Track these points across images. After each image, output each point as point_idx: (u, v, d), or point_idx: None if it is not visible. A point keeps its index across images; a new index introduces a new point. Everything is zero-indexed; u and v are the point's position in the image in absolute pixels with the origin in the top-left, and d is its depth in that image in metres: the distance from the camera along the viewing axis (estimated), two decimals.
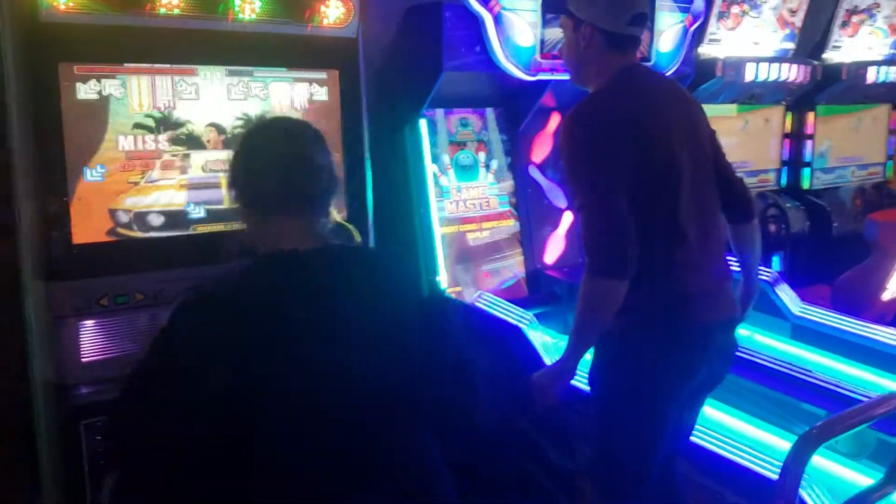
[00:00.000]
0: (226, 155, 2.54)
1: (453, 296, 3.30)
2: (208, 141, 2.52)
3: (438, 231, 3.28)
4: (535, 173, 3.72)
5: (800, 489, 2.03)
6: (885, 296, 3.90)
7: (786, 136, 4.90)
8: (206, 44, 2.47)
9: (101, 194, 2.37)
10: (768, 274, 3.56)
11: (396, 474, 1.52)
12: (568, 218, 3.77)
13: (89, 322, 2.32)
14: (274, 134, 1.58)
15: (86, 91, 2.30)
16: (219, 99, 2.52)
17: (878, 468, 2.35)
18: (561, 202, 3.77)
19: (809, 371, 2.90)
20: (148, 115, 2.43)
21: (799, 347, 3.42)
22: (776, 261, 4.74)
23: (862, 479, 2.43)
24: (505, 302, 3.07)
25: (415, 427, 1.57)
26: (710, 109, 4.29)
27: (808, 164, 4.93)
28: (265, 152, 1.54)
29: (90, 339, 2.32)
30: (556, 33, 3.23)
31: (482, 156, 3.55)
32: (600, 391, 2.17)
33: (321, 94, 2.71)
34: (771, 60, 4.35)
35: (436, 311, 1.66)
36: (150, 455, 1.46)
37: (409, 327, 1.55)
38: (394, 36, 3.38)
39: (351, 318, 1.47)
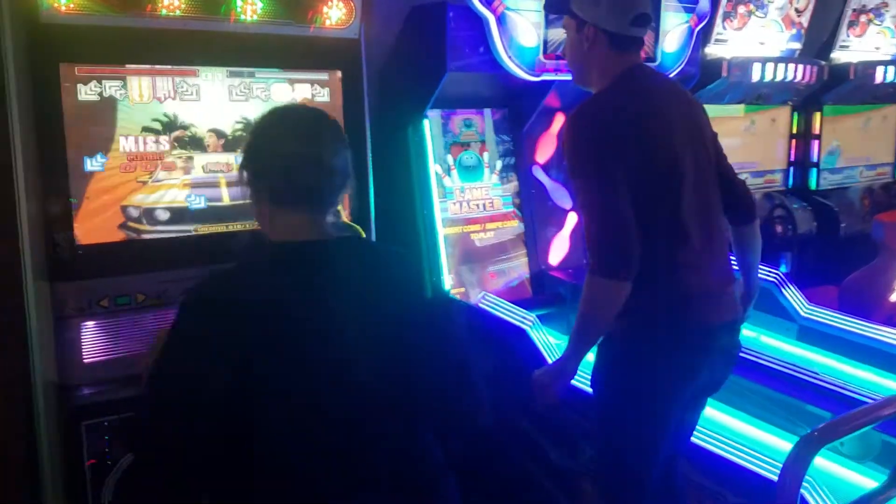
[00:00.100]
0: (225, 158, 2.54)
1: (457, 297, 3.29)
2: (208, 145, 2.52)
3: (442, 232, 3.27)
4: (539, 174, 3.70)
5: (802, 491, 2.04)
6: (893, 297, 3.86)
7: (793, 136, 4.88)
8: (207, 45, 2.46)
9: (103, 195, 2.37)
10: (775, 275, 3.54)
11: (397, 474, 1.51)
12: (572, 219, 3.75)
13: (90, 323, 2.33)
14: (291, 128, 1.54)
15: (87, 92, 2.30)
16: (220, 100, 2.51)
17: (883, 471, 2.33)
18: (565, 203, 3.75)
19: (815, 373, 2.88)
20: (155, 119, 2.43)
21: (805, 349, 3.39)
22: (783, 262, 4.71)
23: (867, 482, 2.41)
24: (508, 303, 3.06)
25: (416, 427, 1.57)
26: (717, 110, 4.37)
27: (816, 165, 4.91)
28: (280, 147, 1.51)
29: (91, 340, 2.33)
30: (559, 34, 3.22)
31: (486, 156, 3.54)
32: (602, 392, 2.16)
33: (323, 95, 2.71)
34: (777, 60, 4.33)
35: (438, 310, 1.65)
36: (156, 453, 1.48)
37: (411, 324, 1.55)
38: (397, 36, 3.38)
39: (354, 315, 1.47)
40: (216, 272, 1.49)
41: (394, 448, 1.51)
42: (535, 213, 3.65)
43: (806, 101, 4.81)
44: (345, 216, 2.77)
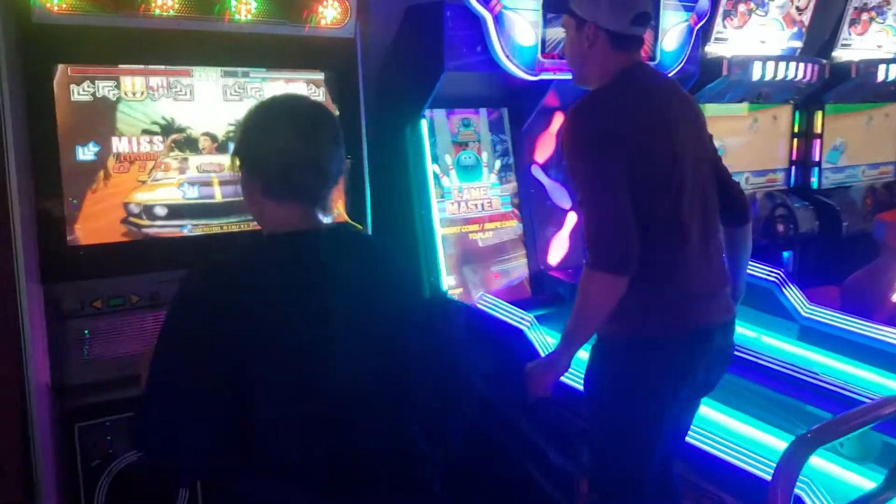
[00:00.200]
0: (219, 159, 2.53)
1: (455, 297, 3.28)
2: (203, 148, 2.50)
3: (439, 232, 3.26)
4: (538, 173, 3.69)
5: (800, 493, 2.02)
6: (895, 297, 3.84)
7: (794, 135, 4.86)
8: (201, 45, 2.45)
9: (97, 196, 2.36)
10: (776, 275, 3.52)
11: (384, 466, 1.53)
12: (572, 218, 3.74)
13: (83, 324, 2.31)
14: (290, 124, 1.52)
15: (79, 92, 2.29)
16: (214, 100, 2.50)
17: (883, 472, 2.31)
18: (564, 203, 3.73)
19: (816, 373, 2.86)
20: (151, 121, 2.43)
21: (807, 349, 3.37)
22: (785, 261, 4.69)
23: (868, 483, 2.39)
24: (506, 304, 3.04)
25: (403, 416, 1.58)
26: (719, 109, 4.34)
27: (817, 164, 4.88)
28: (277, 143, 1.50)
29: (84, 342, 2.31)
30: (557, 33, 3.21)
31: (485, 156, 3.53)
32: (597, 391, 2.15)
33: (318, 94, 2.69)
34: (778, 59, 4.31)
35: (428, 300, 1.66)
36: (157, 449, 1.48)
37: (401, 312, 1.56)
38: (395, 36, 3.36)
39: (345, 304, 1.48)
40: (208, 263, 1.50)
41: (382, 439, 1.52)
42: (534, 212, 3.63)
43: (807, 99, 4.78)
44: (341, 213, 2.76)
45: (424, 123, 3.24)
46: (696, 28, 3.75)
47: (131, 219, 2.42)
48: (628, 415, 2.07)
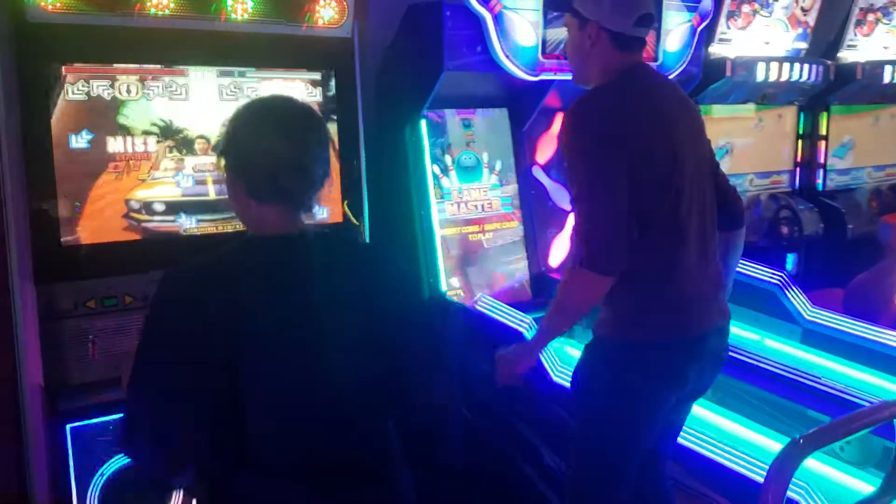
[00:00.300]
0: (214, 159, 2.52)
1: (454, 298, 3.26)
2: (199, 149, 2.49)
3: (438, 232, 3.24)
4: (539, 174, 3.67)
5: (797, 498, 2.00)
6: None
7: (799, 137, 4.82)
8: (197, 44, 2.44)
9: (91, 196, 2.35)
10: (778, 277, 3.49)
11: (363, 462, 1.54)
12: (573, 220, 3.70)
13: (76, 324, 2.30)
14: (277, 128, 1.51)
15: (74, 92, 2.28)
16: (210, 100, 2.49)
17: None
18: (566, 204, 3.71)
19: (818, 377, 2.83)
20: (146, 122, 2.42)
21: (809, 352, 3.34)
22: (789, 263, 4.66)
23: (868, 488, 2.36)
24: (505, 305, 3.02)
25: (379, 414, 1.60)
26: (725, 109, 4.32)
27: (822, 166, 4.85)
28: (263, 146, 1.49)
29: (78, 342, 2.30)
30: (558, 33, 3.19)
31: (485, 157, 3.51)
32: (586, 390, 2.14)
33: (315, 94, 2.68)
34: (782, 60, 4.28)
35: (408, 303, 1.64)
36: (142, 448, 1.48)
37: (381, 316, 1.55)
38: (394, 36, 3.35)
39: (325, 307, 1.48)
40: (190, 264, 1.50)
41: (361, 437, 1.54)
42: (534, 214, 3.61)
43: (812, 101, 4.75)
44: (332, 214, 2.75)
45: (424, 124, 3.23)
46: (699, 28, 3.73)
47: (132, 214, 2.42)
48: (614, 417, 2.05)
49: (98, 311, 2.33)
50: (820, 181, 4.87)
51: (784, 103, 4.67)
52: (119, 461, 2.27)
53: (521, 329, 2.85)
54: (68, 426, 2.24)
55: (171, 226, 2.48)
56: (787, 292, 3.47)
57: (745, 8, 4.19)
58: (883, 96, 4.96)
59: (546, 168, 3.68)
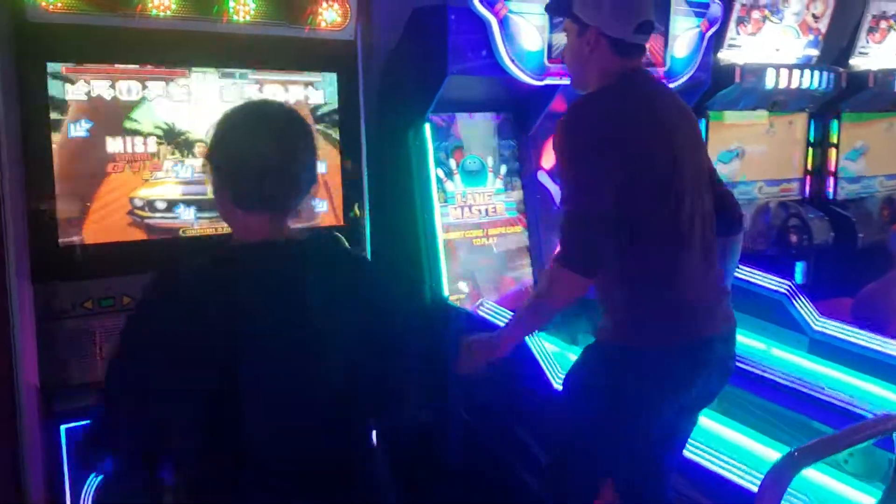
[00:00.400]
0: None
1: (456, 303, 3.24)
2: (199, 153, 2.49)
3: (442, 237, 3.22)
4: (544, 179, 3.64)
5: None
6: None
7: (809, 144, 4.78)
8: (198, 45, 2.43)
9: (91, 196, 2.34)
10: (786, 286, 3.46)
11: (339, 465, 1.54)
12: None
13: (73, 325, 2.29)
14: (264, 135, 1.50)
15: (74, 92, 2.27)
16: (211, 101, 2.48)
17: None
18: None
19: (822, 388, 2.80)
20: (145, 124, 2.41)
21: (816, 363, 3.30)
22: (798, 272, 4.61)
23: (871, 501, 2.33)
24: (506, 311, 3.00)
25: (357, 418, 1.59)
26: (737, 115, 4.28)
27: (833, 174, 4.80)
28: (249, 152, 1.48)
29: (74, 342, 2.29)
30: (564, 38, 3.16)
31: (490, 161, 3.49)
32: (581, 393, 2.12)
33: (317, 97, 2.67)
34: (792, 67, 4.24)
35: (387, 309, 1.63)
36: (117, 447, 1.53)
37: (361, 322, 1.55)
38: (399, 38, 3.34)
39: (307, 314, 1.48)
40: (183, 266, 1.50)
41: (338, 440, 1.54)
42: (539, 219, 3.58)
43: (823, 109, 4.71)
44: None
45: (428, 127, 3.21)
46: (708, 34, 3.70)
47: (136, 211, 2.41)
48: (610, 420, 2.02)
49: (95, 311, 2.32)
50: (831, 189, 4.82)
51: (795, 110, 4.63)
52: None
53: None
54: (63, 427, 2.24)
55: (174, 222, 2.47)
56: (794, 301, 3.44)
57: (755, 14, 4.16)
58: (895, 104, 4.91)
59: (551, 173, 3.65)
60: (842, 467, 2.47)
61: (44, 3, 2.18)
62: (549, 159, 3.66)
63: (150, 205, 2.44)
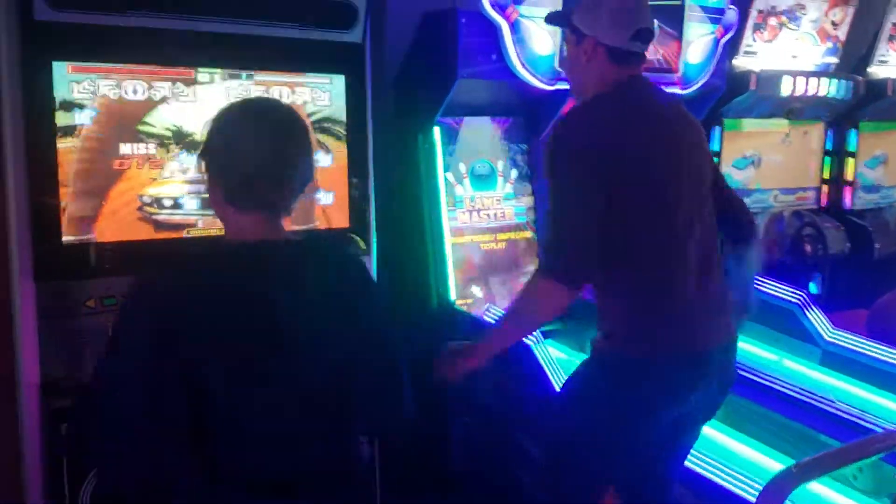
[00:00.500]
0: None
1: (462, 308, 3.22)
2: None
3: (449, 241, 3.21)
4: None
5: None
6: None
7: (826, 153, 4.72)
8: (205, 45, 2.42)
9: (95, 195, 2.33)
10: (798, 296, 3.41)
11: (327, 471, 1.53)
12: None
13: (76, 323, 2.29)
14: (259, 134, 1.49)
15: (80, 90, 2.27)
16: (218, 102, 2.46)
17: None
18: None
19: (832, 401, 2.75)
20: (155, 124, 2.41)
21: (828, 375, 3.25)
22: (813, 283, 4.55)
23: None
24: None
25: (347, 425, 1.59)
26: (756, 123, 4.23)
27: (850, 183, 4.73)
28: (243, 152, 1.47)
29: (75, 341, 2.29)
30: None
31: (500, 165, 3.47)
32: (581, 401, 2.10)
33: (324, 99, 2.65)
34: (809, 74, 4.18)
35: (378, 311, 1.62)
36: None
37: (351, 324, 1.53)
38: (410, 42, 3.33)
39: (298, 316, 1.47)
40: (161, 274, 1.50)
41: (326, 445, 1.53)
42: None
43: (841, 117, 4.64)
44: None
45: (437, 131, 3.20)
46: (723, 41, 3.66)
47: (145, 208, 2.41)
48: (604, 429, 2.01)
49: (98, 310, 2.31)
50: (847, 199, 4.75)
51: (812, 118, 4.57)
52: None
53: (527, 341, 2.80)
54: (62, 426, 2.23)
55: (183, 217, 2.47)
56: (806, 312, 3.40)
57: (772, 21, 4.10)
58: None
59: None
60: (851, 483, 2.43)
61: (51, 1, 2.18)
62: None
63: (157, 202, 2.44)
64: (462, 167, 3.37)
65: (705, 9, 3.57)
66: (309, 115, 2.62)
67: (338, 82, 2.68)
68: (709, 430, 2.42)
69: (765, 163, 4.45)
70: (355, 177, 2.73)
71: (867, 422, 2.63)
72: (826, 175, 4.74)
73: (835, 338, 3.33)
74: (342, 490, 1.54)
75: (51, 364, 2.27)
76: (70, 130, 2.27)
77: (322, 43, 2.61)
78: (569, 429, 2.11)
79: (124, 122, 2.36)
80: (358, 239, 2.75)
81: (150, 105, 2.39)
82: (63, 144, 2.26)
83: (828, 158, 4.74)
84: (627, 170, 1.90)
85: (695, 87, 3.62)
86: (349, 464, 1.60)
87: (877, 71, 4.63)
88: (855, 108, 4.56)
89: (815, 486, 2.28)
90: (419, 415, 1.71)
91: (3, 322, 2.23)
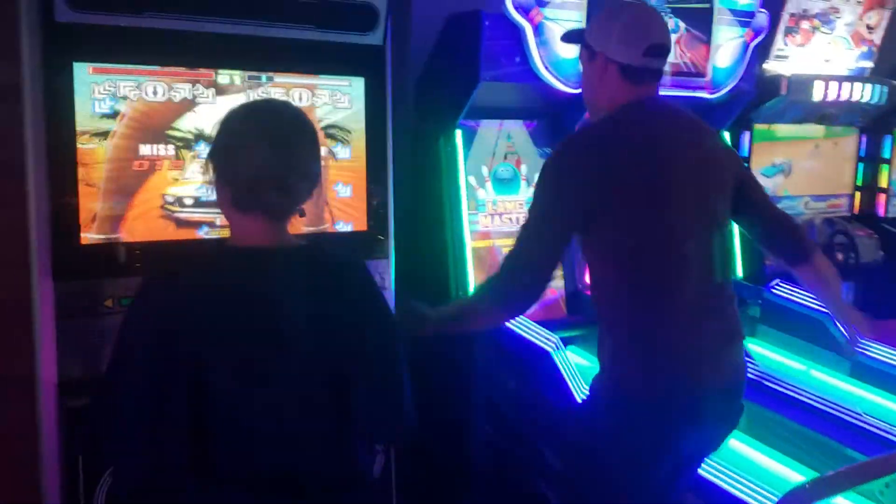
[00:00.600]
0: None
1: None
2: None
3: (470, 244, 3.18)
4: None
5: None
6: None
7: (860, 159, 4.61)
8: (225, 47, 2.43)
9: (110, 195, 2.35)
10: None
11: (324, 475, 1.54)
12: None
13: (93, 323, 2.30)
14: (267, 139, 1.49)
15: (100, 91, 2.29)
16: (236, 103, 2.45)
17: None
18: None
19: (860, 414, 2.69)
20: (175, 125, 2.42)
21: (857, 387, 3.17)
22: (845, 292, 4.45)
23: None
24: (533, 323, 2.94)
25: (346, 429, 1.58)
26: (790, 129, 4.15)
27: (885, 191, 4.62)
28: (250, 157, 1.47)
29: (93, 341, 2.30)
30: None
31: (523, 169, 3.44)
32: (583, 429, 2.11)
33: (344, 101, 2.65)
34: (842, 79, 4.09)
35: (377, 318, 1.60)
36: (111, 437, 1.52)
37: (350, 330, 1.54)
38: (433, 45, 3.31)
39: (297, 321, 1.47)
40: (166, 271, 1.50)
41: (326, 447, 1.54)
42: None
43: (876, 123, 4.54)
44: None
45: (459, 134, 3.18)
46: (752, 44, 3.59)
47: (167, 206, 2.42)
48: (608, 464, 1.99)
49: (115, 310, 2.32)
50: (881, 206, 4.65)
51: (845, 124, 4.48)
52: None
53: (546, 347, 2.78)
54: (76, 426, 2.25)
55: (204, 216, 2.47)
56: (836, 321, 3.32)
57: (804, 24, 4.02)
58: None
59: None
60: (877, 498, 2.36)
61: (71, 2, 2.19)
62: None
63: (179, 201, 2.45)
64: (484, 170, 3.34)
65: (735, 12, 3.50)
66: (328, 118, 2.62)
67: (358, 85, 2.67)
68: (731, 441, 2.36)
69: (796, 169, 4.36)
70: (375, 179, 2.72)
71: (894, 435, 2.57)
72: (859, 182, 4.64)
73: (864, 348, 3.24)
74: (345, 493, 1.53)
75: (68, 364, 2.28)
76: (91, 131, 2.29)
77: (342, 45, 2.60)
78: (582, 451, 2.09)
79: (144, 123, 2.37)
80: (380, 238, 2.75)
81: (171, 106, 2.40)
82: (82, 145, 2.27)
83: (861, 165, 4.63)
84: (615, 193, 1.87)
85: (723, 92, 3.55)
86: (352, 467, 1.59)
87: None
88: (890, 114, 4.45)
89: (840, 501, 2.22)
90: (440, 421, 1.70)
91: (22, 322, 2.25)
